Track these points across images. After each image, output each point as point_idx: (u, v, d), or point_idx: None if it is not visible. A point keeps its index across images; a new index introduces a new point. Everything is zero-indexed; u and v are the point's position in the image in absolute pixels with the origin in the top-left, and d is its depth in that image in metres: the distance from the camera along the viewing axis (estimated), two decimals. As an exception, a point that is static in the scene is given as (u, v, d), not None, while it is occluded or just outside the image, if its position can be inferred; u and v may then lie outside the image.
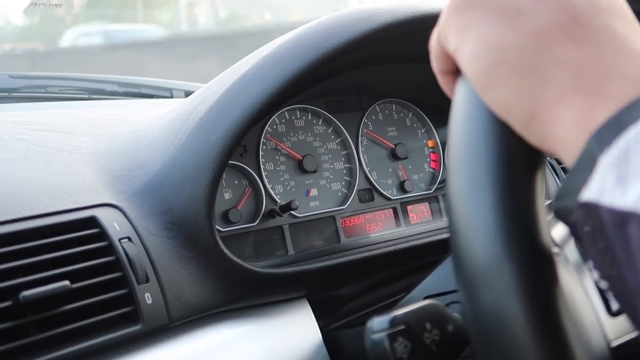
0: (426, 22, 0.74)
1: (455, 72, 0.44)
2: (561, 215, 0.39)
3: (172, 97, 1.39)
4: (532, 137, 0.39)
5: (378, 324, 0.54)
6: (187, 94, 1.37)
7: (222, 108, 0.74)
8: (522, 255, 0.39)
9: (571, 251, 0.54)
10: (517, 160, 0.41)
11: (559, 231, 0.56)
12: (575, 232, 0.38)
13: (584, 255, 0.54)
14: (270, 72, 0.74)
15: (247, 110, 0.73)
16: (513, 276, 0.39)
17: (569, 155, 0.37)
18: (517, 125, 0.40)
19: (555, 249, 0.54)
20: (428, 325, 0.55)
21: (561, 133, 0.37)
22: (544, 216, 0.41)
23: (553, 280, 0.40)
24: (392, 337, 0.52)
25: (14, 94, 1.20)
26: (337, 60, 0.77)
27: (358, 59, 0.86)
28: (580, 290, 0.52)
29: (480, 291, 0.41)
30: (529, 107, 0.38)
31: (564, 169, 1.05)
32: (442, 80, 0.47)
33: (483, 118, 0.41)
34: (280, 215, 0.88)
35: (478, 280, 0.41)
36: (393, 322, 0.53)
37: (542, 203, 0.41)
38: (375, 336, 0.53)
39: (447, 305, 0.67)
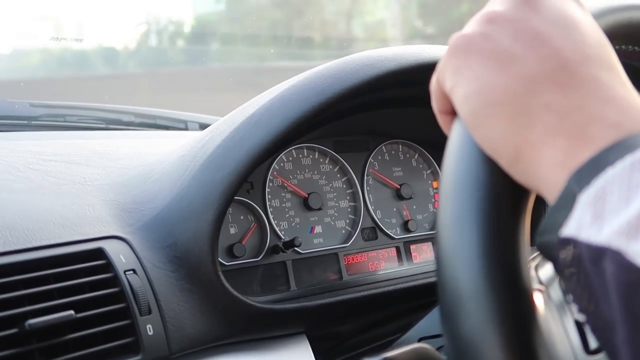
0: (429, 70, 0.76)
1: (453, 112, 0.47)
2: (543, 249, 0.41)
3: (187, 129, 1.42)
4: (518, 174, 0.42)
5: (368, 364, 0.55)
6: (202, 126, 1.40)
7: (228, 147, 0.76)
8: (501, 289, 0.41)
9: (555, 291, 0.56)
10: (503, 197, 0.43)
11: (545, 271, 0.57)
12: (557, 266, 0.40)
13: (566, 291, 0.55)
14: (277, 114, 0.77)
15: (253, 150, 0.75)
16: (492, 308, 0.41)
17: (552, 192, 0.39)
18: (504, 162, 0.42)
19: (539, 287, 0.56)
20: (417, 368, 0.56)
21: (544, 172, 0.39)
22: (527, 252, 0.43)
23: (531, 315, 0.42)
24: (380, 378, 0.54)
25: (33, 122, 1.23)
26: (342, 104, 0.80)
27: (364, 102, 0.88)
28: (560, 328, 0.54)
29: (459, 320, 0.42)
30: (515, 146, 0.41)
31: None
32: (441, 120, 0.49)
33: (473, 155, 0.44)
34: (284, 251, 0.91)
35: (458, 310, 0.42)
36: (382, 364, 0.55)
37: (526, 239, 0.43)
38: (365, 376, 0.54)
39: (439, 348, 0.69)
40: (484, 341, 0.41)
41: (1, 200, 0.75)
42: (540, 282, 0.56)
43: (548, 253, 0.40)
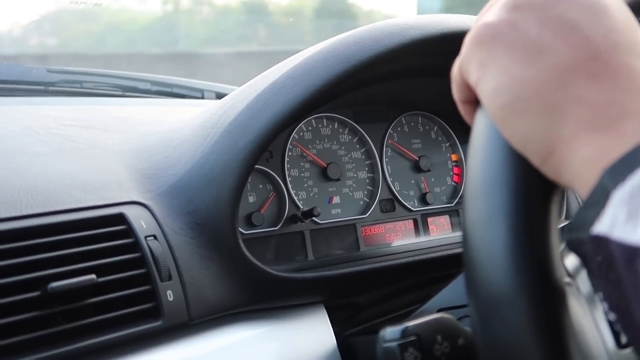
0: (454, 39, 0.75)
1: (476, 102, 0.45)
2: (573, 246, 0.40)
3: (203, 97, 1.41)
4: (549, 171, 0.40)
5: (390, 333, 0.55)
6: (218, 95, 1.39)
7: (250, 114, 0.76)
8: (534, 288, 0.40)
9: (583, 282, 0.55)
10: (532, 193, 0.42)
11: (571, 261, 0.57)
12: (586, 263, 0.39)
13: (594, 288, 0.54)
14: (300, 82, 0.76)
15: (275, 117, 0.75)
16: (525, 308, 0.40)
17: (584, 189, 0.38)
18: (535, 159, 0.41)
19: (567, 279, 0.55)
20: (439, 338, 0.56)
21: (577, 168, 0.38)
22: (557, 249, 0.42)
23: (564, 313, 0.41)
24: (403, 347, 0.54)
25: (50, 88, 1.23)
26: (366, 73, 0.79)
27: (387, 71, 0.87)
28: (590, 322, 0.53)
29: (492, 321, 0.42)
30: (547, 143, 0.39)
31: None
32: (463, 109, 0.48)
33: (501, 150, 0.42)
34: (302, 221, 0.90)
35: (490, 310, 0.42)
36: (405, 333, 0.55)
37: (556, 236, 0.42)
38: (387, 345, 0.54)
39: (459, 318, 0.69)
40: (519, 341, 0.40)
41: (22, 163, 0.75)
42: (568, 273, 0.56)
43: (577, 250, 0.39)
